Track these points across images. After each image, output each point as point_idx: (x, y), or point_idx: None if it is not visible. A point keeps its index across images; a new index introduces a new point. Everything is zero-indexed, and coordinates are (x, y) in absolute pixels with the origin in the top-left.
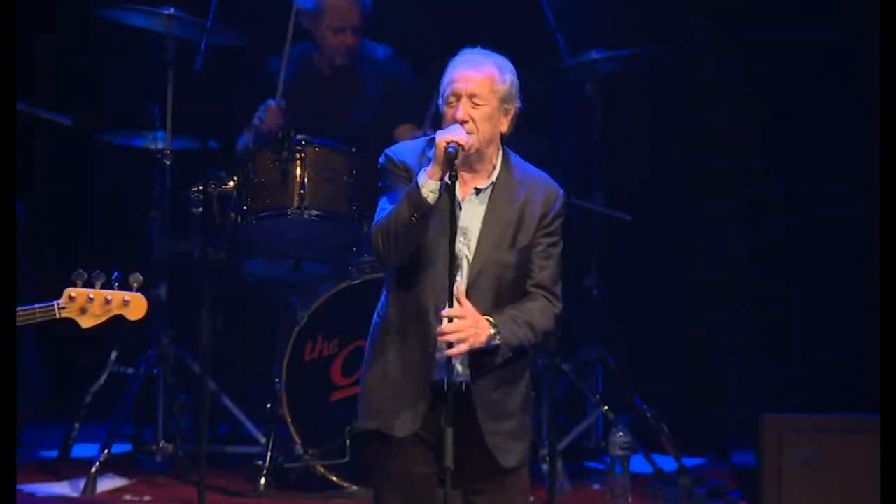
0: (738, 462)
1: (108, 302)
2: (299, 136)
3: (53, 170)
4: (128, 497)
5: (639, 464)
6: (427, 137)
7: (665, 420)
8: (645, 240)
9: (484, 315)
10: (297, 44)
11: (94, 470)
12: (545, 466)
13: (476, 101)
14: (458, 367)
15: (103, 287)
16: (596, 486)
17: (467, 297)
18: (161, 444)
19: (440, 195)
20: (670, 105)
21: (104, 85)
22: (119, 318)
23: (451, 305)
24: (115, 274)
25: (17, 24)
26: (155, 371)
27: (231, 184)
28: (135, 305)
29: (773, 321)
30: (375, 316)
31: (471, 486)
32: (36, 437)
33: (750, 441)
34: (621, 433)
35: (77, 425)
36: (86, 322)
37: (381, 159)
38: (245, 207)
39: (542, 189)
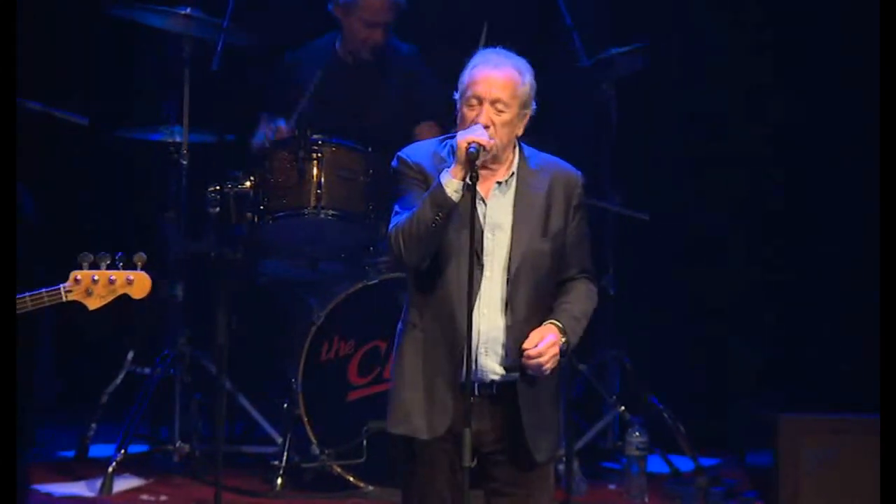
0: (753, 462)
1: (112, 282)
2: (316, 136)
3: (69, 170)
4: (144, 497)
5: (655, 464)
6: (439, 138)
7: (681, 420)
8: (662, 240)
9: (535, 312)
10: (318, 37)
11: (110, 470)
12: (561, 467)
13: (499, 106)
14: (491, 365)
15: (108, 267)
16: (612, 487)
17: (510, 292)
18: (177, 444)
19: (463, 194)
20: (687, 105)
21: (122, 85)
22: (134, 314)
23: (472, 304)
24: (119, 254)
25: (29, 24)
26: (171, 371)
27: (248, 184)
28: (138, 284)
29: (790, 321)
30: (400, 322)
31: (497, 486)
32: (52, 437)
33: (766, 441)
34: (638, 433)
35: (94, 425)
36: (92, 303)
37: (394, 162)
38: (262, 207)
39: (562, 174)
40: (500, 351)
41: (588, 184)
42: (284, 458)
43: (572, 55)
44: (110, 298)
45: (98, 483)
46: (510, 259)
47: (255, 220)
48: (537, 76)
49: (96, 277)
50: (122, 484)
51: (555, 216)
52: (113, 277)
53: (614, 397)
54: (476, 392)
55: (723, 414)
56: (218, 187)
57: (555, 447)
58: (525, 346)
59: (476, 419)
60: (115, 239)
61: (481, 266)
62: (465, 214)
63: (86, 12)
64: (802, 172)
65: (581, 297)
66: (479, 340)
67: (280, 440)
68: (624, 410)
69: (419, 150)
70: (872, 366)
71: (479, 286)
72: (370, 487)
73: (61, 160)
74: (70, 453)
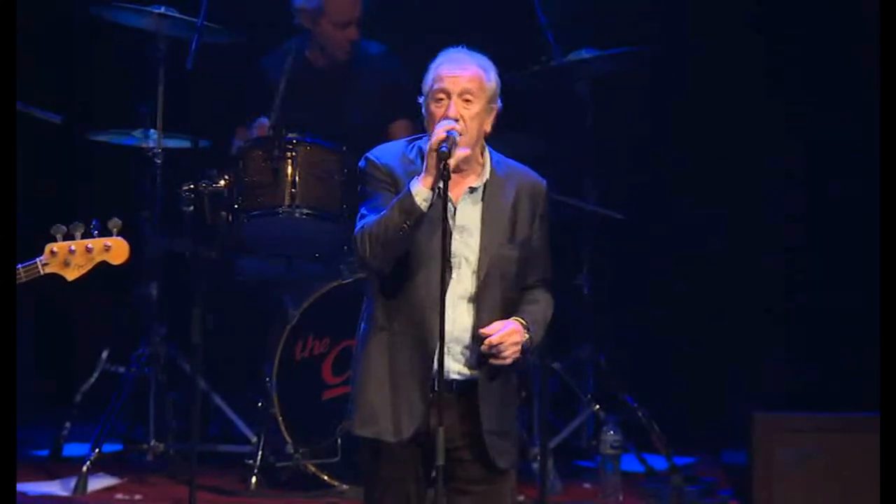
0: (729, 461)
1: (89, 250)
2: (291, 135)
3: (43, 169)
4: (119, 496)
5: (630, 463)
6: (407, 139)
7: (656, 419)
8: (637, 238)
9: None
10: (288, 39)
11: (85, 469)
12: (536, 465)
13: (466, 97)
14: (454, 366)
15: (83, 237)
16: (587, 485)
17: (477, 295)
18: (152, 443)
19: (432, 204)
20: (662, 103)
21: (95, 84)
22: (113, 316)
23: (443, 306)
24: (94, 222)
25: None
26: (146, 370)
27: (222, 183)
28: (116, 249)
29: (765, 320)
30: (363, 323)
31: (460, 485)
32: (27, 436)
33: (742, 440)
34: (612, 432)
35: (68, 424)
36: (71, 274)
37: (362, 163)
38: (236, 206)
39: (528, 182)
40: (464, 352)
41: (563, 183)
42: (259, 457)
43: (547, 53)
44: (89, 267)
45: (72, 482)
46: (479, 262)
47: (230, 218)
48: (514, 75)
49: (73, 248)
50: (97, 483)
51: (521, 224)
52: (90, 245)
53: (589, 396)
54: (438, 388)
55: (698, 413)
56: (192, 186)
57: (516, 453)
58: (485, 331)
59: (433, 418)
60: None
61: (450, 269)
62: (435, 218)
63: (61, 11)
64: (784, 170)
65: (542, 305)
66: (449, 341)
67: (254, 439)
68: (598, 409)
69: (387, 152)
70: (851, 363)
71: (450, 290)
72: (345, 486)
73: (34, 159)
74: (44, 452)
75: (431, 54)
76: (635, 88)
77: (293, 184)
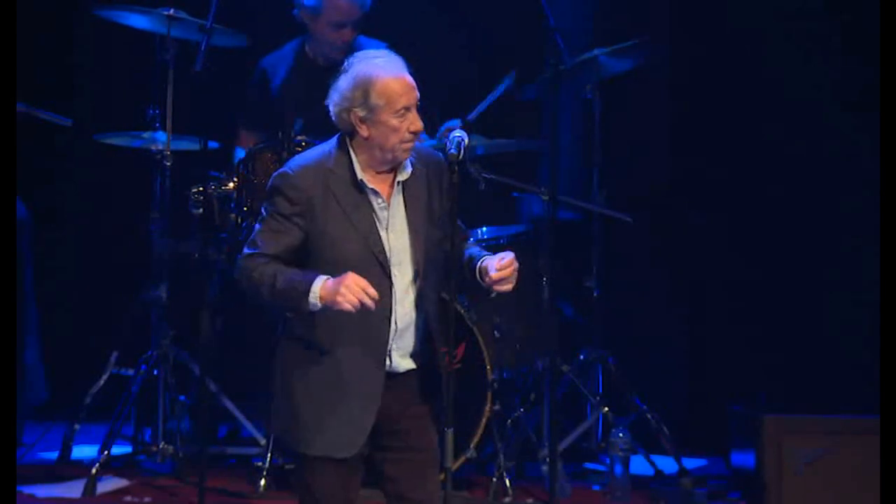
0: (738, 463)
1: None
2: (299, 138)
3: (53, 172)
4: (128, 498)
5: (639, 465)
6: (322, 149)
7: (665, 421)
8: (645, 241)
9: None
10: (290, 41)
11: (94, 471)
12: (545, 467)
13: (417, 106)
14: (402, 362)
15: None
16: (596, 488)
17: (419, 288)
18: (161, 446)
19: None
20: (671, 107)
21: (104, 86)
22: (122, 318)
23: (392, 310)
24: None
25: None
26: (155, 372)
27: (231, 185)
28: None
29: (774, 322)
30: (286, 338)
31: (398, 450)
32: (36, 438)
33: (751, 442)
34: (621, 434)
35: (77, 426)
36: None
37: (277, 181)
38: (245, 208)
39: (433, 162)
40: (410, 344)
41: (572, 186)
42: (268, 459)
43: (556, 55)
44: None
45: (81, 484)
46: (414, 255)
47: (239, 221)
48: (524, 78)
49: None
50: (106, 485)
51: (435, 203)
52: None
53: (598, 398)
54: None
55: (707, 415)
56: (201, 188)
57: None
58: (495, 265)
59: (382, 400)
60: (98, 240)
61: (390, 273)
62: (366, 213)
63: (69, 12)
64: (791, 171)
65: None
66: (393, 338)
67: (263, 441)
68: (607, 411)
69: (306, 170)
70: (860, 365)
71: (394, 289)
72: None
73: (44, 161)
74: (53, 454)
75: (435, 55)
76: (644, 90)
77: None
